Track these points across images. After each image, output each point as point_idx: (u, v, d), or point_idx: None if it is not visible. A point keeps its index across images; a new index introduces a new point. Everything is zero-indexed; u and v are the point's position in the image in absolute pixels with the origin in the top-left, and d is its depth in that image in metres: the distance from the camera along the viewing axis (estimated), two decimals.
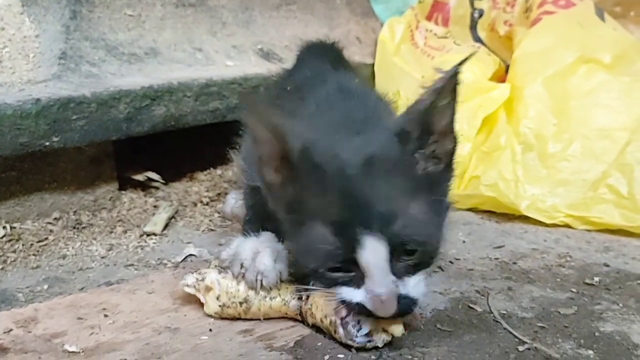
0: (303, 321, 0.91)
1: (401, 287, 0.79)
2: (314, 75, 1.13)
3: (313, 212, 0.81)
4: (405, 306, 0.80)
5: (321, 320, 0.87)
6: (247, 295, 0.91)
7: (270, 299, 0.91)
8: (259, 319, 0.92)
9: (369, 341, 0.84)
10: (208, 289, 0.93)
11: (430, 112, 0.80)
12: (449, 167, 0.87)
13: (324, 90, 1.03)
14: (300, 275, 0.90)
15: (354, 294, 0.81)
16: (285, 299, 0.91)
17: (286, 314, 0.92)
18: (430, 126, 0.82)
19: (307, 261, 0.83)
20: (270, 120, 0.80)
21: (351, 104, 0.98)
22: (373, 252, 0.77)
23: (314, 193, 0.81)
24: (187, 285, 0.94)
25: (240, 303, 0.91)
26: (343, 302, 0.82)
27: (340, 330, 0.85)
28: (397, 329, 0.84)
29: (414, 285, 0.81)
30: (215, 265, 0.95)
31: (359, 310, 0.82)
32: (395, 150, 0.81)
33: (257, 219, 1.01)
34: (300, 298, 0.90)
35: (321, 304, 0.87)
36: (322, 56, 1.24)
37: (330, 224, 0.78)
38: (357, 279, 0.80)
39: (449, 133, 0.85)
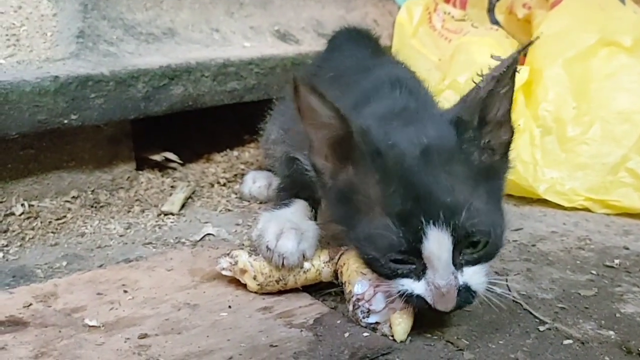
0: (337, 278, 0.92)
1: (460, 278, 0.78)
2: (358, 64, 1.11)
3: (373, 201, 0.79)
4: (464, 298, 0.79)
5: (344, 283, 0.88)
6: (281, 273, 0.92)
7: (305, 272, 0.92)
8: (279, 296, 0.93)
9: (374, 328, 0.84)
10: (243, 271, 0.93)
11: (488, 101, 0.79)
12: (504, 158, 0.85)
13: (371, 78, 1.01)
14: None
15: (415, 286, 0.80)
16: (318, 269, 0.92)
17: (321, 281, 0.93)
18: (486, 115, 0.81)
19: (368, 250, 0.81)
20: (332, 102, 0.78)
21: (401, 93, 0.95)
22: (437, 244, 0.76)
23: (374, 180, 0.79)
24: (224, 269, 0.94)
25: (277, 281, 0.92)
26: (402, 294, 0.81)
27: (350, 307, 0.86)
28: (400, 334, 0.82)
29: (473, 276, 0.79)
30: (242, 245, 0.95)
31: (417, 304, 0.80)
32: (453, 140, 0.80)
33: (292, 187, 1.02)
34: (332, 258, 0.92)
35: (351, 266, 0.87)
36: (362, 44, 1.23)
37: (394, 214, 0.77)
38: (418, 270, 0.79)
39: (506, 123, 0.83)
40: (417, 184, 0.77)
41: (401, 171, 0.78)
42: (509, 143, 0.84)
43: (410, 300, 0.80)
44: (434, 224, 0.75)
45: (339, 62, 1.16)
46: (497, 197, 0.83)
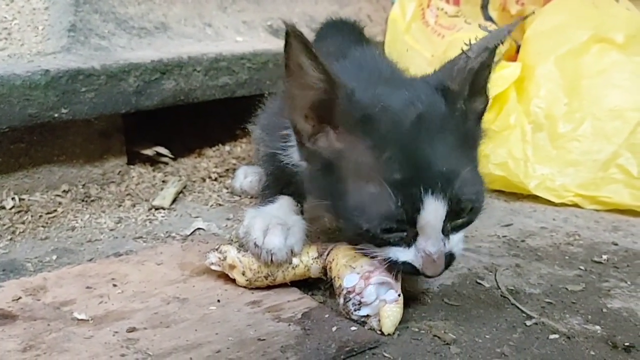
0: (326, 275, 0.92)
1: (447, 245, 0.80)
2: (337, 51, 1.11)
3: (364, 168, 0.78)
4: (448, 263, 0.81)
5: (334, 278, 0.88)
6: (269, 269, 0.92)
7: (293, 268, 0.92)
8: (268, 290, 0.93)
9: (363, 322, 0.84)
10: (231, 266, 0.93)
11: (479, 72, 0.79)
12: (478, 125, 0.87)
13: (348, 61, 1.01)
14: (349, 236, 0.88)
15: (403, 254, 0.80)
16: (307, 265, 0.92)
17: (310, 277, 0.93)
18: (475, 86, 0.81)
19: (360, 222, 0.79)
20: (323, 63, 0.77)
21: (377, 68, 0.96)
22: (434, 213, 0.77)
23: (365, 146, 0.78)
24: (213, 264, 0.94)
25: (266, 277, 0.92)
26: (389, 261, 0.81)
27: (341, 300, 0.86)
28: (388, 327, 0.82)
29: (457, 242, 0.82)
30: (231, 240, 0.95)
31: (405, 270, 0.81)
32: (443, 107, 0.80)
33: (276, 183, 1.01)
34: (321, 255, 0.91)
35: (340, 261, 0.88)
36: (344, 33, 1.23)
37: (390, 183, 0.76)
38: (409, 238, 0.80)
39: (482, 93, 0.84)
40: (416, 152, 0.76)
41: (398, 137, 0.77)
42: (482, 112, 0.86)
43: (397, 266, 0.81)
44: (431, 193, 0.75)
45: (323, 51, 1.16)
46: (476, 164, 0.85)
